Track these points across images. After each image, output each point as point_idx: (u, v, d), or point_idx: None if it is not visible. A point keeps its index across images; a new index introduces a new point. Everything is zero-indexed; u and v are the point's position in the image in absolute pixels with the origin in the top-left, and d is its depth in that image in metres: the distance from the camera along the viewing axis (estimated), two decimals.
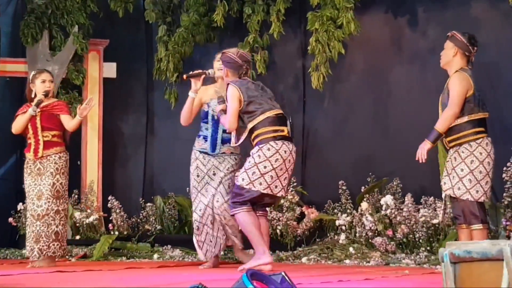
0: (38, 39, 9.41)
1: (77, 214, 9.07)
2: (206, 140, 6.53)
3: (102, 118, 9.52)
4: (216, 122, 6.45)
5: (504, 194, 6.96)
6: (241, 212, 6.01)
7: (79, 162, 9.50)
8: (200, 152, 6.56)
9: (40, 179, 7.01)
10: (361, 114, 8.28)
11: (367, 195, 7.70)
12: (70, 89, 9.52)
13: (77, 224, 9.06)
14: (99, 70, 9.64)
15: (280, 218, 7.97)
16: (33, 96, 7.11)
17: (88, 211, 9.13)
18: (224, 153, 6.51)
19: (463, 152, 5.68)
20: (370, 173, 7.79)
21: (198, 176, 6.56)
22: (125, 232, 8.94)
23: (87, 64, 9.59)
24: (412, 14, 7.96)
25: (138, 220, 9.08)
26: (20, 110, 7.21)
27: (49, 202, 6.98)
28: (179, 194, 8.99)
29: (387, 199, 7.53)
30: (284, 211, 8.06)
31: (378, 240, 7.32)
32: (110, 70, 9.68)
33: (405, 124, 7.93)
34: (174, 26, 9.15)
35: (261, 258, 5.89)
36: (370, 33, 8.05)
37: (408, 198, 7.36)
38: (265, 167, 5.93)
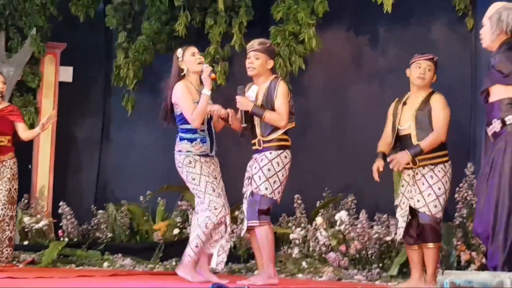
0: None
1: (26, 219, 8.94)
2: (204, 142, 6.14)
3: (56, 122, 9.40)
4: (209, 123, 6.19)
5: (456, 214, 7.06)
6: (266, 225, 6.02)
7: (30, 166, 9.39)
8: (200, 155, 6.12)
9: None
10: (318, 129, 8.34)
11: (322, 210, 7.75)
12: (25, 92, 9.42)
13: (26, 229, 8.93)
14: (55, 73, 9.55)
15: (234, 230, 7.96)
16: None
17: (38, 216, 9.01)
18: (213, 155, 6.22)
19: (439, 171, 5.82)
20: (326, 188, 7.85)
21: (209, 175, 6.09)
22: (75, 239, 8.83)
23: (43, 67, 9.51)
24: (373, 33, 8.07)
25: (89, 227, 8.99)
26: None
27: (5, 207, 6.90)
28: (132, 202, 8.93)
29: (342, 215, 7.57)
30: (238, 223, 8.05)
31: (331, 255, 7.35)
32: (67, 74, 9.60)
33: (361, 141, 7.99)
34: (134, 33, 9.13)
35: (273, 278, 5.94)
36: (331, 50, 8.14)
37: (363, 215, 7.42)
38: (283, 175, 6.01)
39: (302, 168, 8.30)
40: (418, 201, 5.90)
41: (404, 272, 6.98)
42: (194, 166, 6.07)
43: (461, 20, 7.53)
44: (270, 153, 6.02)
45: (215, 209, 6.02)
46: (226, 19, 8.51)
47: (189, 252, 6.06)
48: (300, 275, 7.08)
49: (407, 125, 6.00)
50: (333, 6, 8.01)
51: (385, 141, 6.24)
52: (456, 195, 7.08)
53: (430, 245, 5.88)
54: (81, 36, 9.62)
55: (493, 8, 4.99)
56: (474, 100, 7.36)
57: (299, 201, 7.96)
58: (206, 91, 6.01)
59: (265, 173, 5.97)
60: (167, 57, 8.99)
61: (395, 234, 7.13)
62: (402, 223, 6.02)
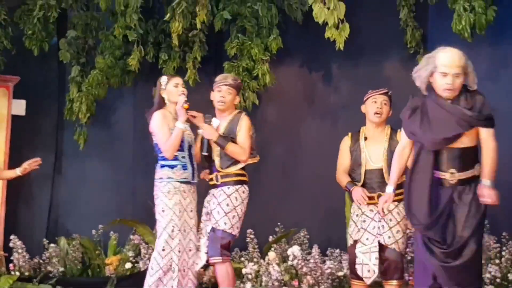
0: None
1: None
2: (185, 169, 6.12)
3: (8, 155, 9.33)
4: (189, 149, 6.19)
5: (408, 250, 7.13)
6: (228, 261, 6.07)
7: None
8: (181, 182, 6.11)
9: None
10: (271, 164, 8.38)
11: (275, 245, 7.78)
12: None
13: None
14: (8, 106, 9.47)
15: None
16: None
17: None
18: (196, 182, 6.23)
19: (402, 208, 5.80)
20: (279, 223, 7.89)
21: (180, 212, 6.06)
22: (27, 273, 8.71)
23: None
24: (326, 69, 8.18)
25: (41, 261, 8.88)
26: None
27: None
28: (84, 236, 8.87)
29: (294, 250, 7.61)
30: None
31: None
32: (19, 107, 9.52)
33: (314, 176, 8.08)
34: (88, 67, 9.10)
35: None
36: (284, 86, 8.23)
37: (315, 250, 7.47)
38: (241, 210, 6.09)
39: (255, 203, 8.28)
40: (389, 237, 5.92)
41: None
42: (171, 198, 6.05)
43: (412, 58, 7.66)
44: (228, 188, 6.09)
45: (163, 250, 6.03)
46: (180, 54, 8.55)
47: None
48: None
49: (380, 164, 6.04)
50: (287, 43, 8.12)
51: (345, 174, 6.26)
52: (408, 230, 7.15)
53: (394, 282, 5.93)
54: (35, 69, 9.58)
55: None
56: None
57: (252, 236, 7.98)
58: (180, 124, 6.04)
59: (224, 208, 6.03)
60: (120, 91, 9.05)
61: (347, 269, 7.21)
62: (367, 259, 5.98)
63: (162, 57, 8.62)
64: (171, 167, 6.11)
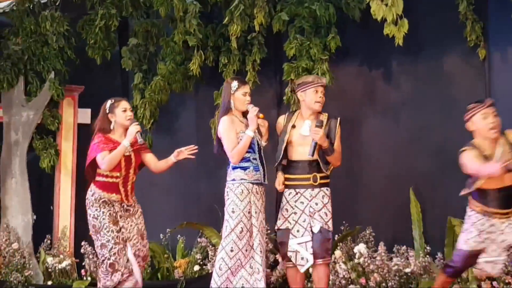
0: (13, 85, 9.51)
1: (49, 260, 9.07)
2: (257, 170, 6.28)
3: (76, 163, 9.54)
4: (259, 151, 6.35)
5: None
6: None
7: (52, 207, 9.51)
8: (253, 184, 6.26)
9: None
10: None
11: (341, 243, 7.79)
12: (45, 135, 9.58)
13: (49, 270, 9.04)
14: (74, 116, 9.70)
15: None
16: None
17: (61, 256, 9.11)
18: (266, 184, 6.39)
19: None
20: (344, 221, 7.89)
21: (249, 213, 6.22)
22: None
23: (62, 109, 9.66)
24: (386, 66, 8.12)
25: None
26: None
27: None
28: (152, 240, 8.98)
29: (360, 248, 7.63)
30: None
31: None
32: (85, 116, 9.73)
33: (378, 173, 8.06)
34: (150, 74, 9.23)
35: None
36: (344, 85, 8.21)
37: (381, 247, 7.47)
38: None
39: None
40: None
41: None
42: (242, 199, 6.21)
43: (473, 51, 7.59)
44: (327, 189, 6.35)
45: (231, 251, 6.15)
46: (240, 57, 8.60)
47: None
48: None
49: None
50: (345, 41, 8.10)
51: None
52: None
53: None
54: (98, 78, 9.76)
55: None
56: None
57: None
58: (250, 132, 6.23)
59: (329, 209, 6.29)
60: (182, 96, 9.15)
61: (414, 266, 7.20)
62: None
63: (222, 60, 8.68)
64: (244, 168, 6.26)
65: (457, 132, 7.56)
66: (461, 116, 7.21)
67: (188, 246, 8.85)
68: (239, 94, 6.36)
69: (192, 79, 8.94)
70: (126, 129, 6.56)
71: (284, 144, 6.35)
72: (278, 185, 6.39)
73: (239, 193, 6.20)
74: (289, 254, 6.26)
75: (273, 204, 8.31)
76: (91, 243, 8.99)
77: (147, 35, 9.30)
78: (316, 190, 6.31)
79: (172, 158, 6.66)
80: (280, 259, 8.02)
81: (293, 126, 6.37)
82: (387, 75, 8.13)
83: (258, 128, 6.35)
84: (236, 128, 6.26)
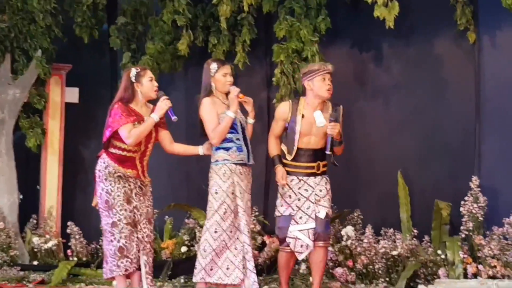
0: (0, 62, 9.38)
1: (35, 239, 9.04)
2: (241, 151, 6.19)
3: (63, 143, 9.49)
4: (243, 132, 6.26)
5: (462, 228, 7.11)
6: None
7: (38, 187, 9.47)
8: (236, 164, 6.18)
9: None
10: None
11: None
12: (31, 113, 9.51)
13: (35, 250, 9.01)
14: (61, 94, 9.64)
15: None
16: None
17: (47, 236, 9.08)
18: (252, 164, 6.31)
19: None
20: (332, 204, 7.88)
21: (232, 194, 6.13)
22: (84, 258, 8.90)
23: (49, 88, 9.60)
24: (376, 49, 8.10)
25: (98, 246, 9.03)
26: None
27: None
28: None
29: (348, 230, 7.64)
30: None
31: (338, 270, 7.40)
32: (73, 95, 9.69)
33: (367, 156, 8.07)
34: (138, 53, 9.19)
35: None
36: (335, 67, 8.18)
37: (369, 229, 7.47)
38: None
39: None
40: None
41: (411, 285, 7.04)
42: (225, 180, 6.13)
43: (463, 35, 7.57)
44: (327, 177, 6.40)
45: (215, 232, 6.10)
46: (229, 38, 8.56)
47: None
48: None
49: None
50: (336, 23, 8.07)
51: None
52: (461, 209, 7.13)
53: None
54: (86, 57, 9.71)
55: None
56: (478, 114, 7.41)
57: None
58: (231, 113, 6.12)
59: (330, 196, 6.38)
60: (171, 76, 9.10)
61: (401, 248, 7.22)
62: None
63: (211, 41, 8.64)
64: (226, 149, 6.17)
65: (446, 116, 7.62)
66: (450, 99, 7.25)
67: (176, 227, 8.84)
68: (219, 76, 6.25)
69: (181, 59, 8.90)
70: (148, 100, 6.23)
71: (298, 136, 6.26)
72: (282, 179, 6.27)
73: (222, 174, 6.14)
74: (288, 240, 6.24)
75: (262, 186, 8.37)
76: (77, 223, 9.01)
77: (135, 14, 9.26)
78: (319, 177, 6.33)
79: (199, 150, 6.36)
80: (268, 241, 8.02)
81: (302, 116, 6.28)
82: (378, 58, 8.12)
83: (242, 107, 6.29)
84: (217, 109, 6.17)
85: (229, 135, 6.17)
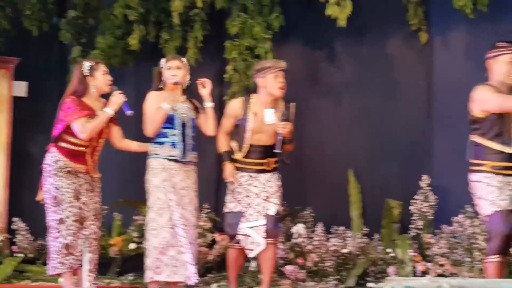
0: None
1: None
2: (174, 146, 6.08)
3: (11, 138, 9.32)
4: (183, 127, 6.11)
5: (411, 226, 7.17)
6: None
7: None
8: (169, 160, 6.07)
9: None
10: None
11: (280, 224, 7.79)
12: None
13: None
14: (9, 88, 9.45)
15: None
16: None
17: None
18: (190, 161, 6.14)
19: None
20: (283, 202, 7.88)
21: (164, 188, 6.02)
22: (31, 255, 8.75)
23: None
24: (329, 48, 8.14)
25: (44, 242, 8.87)
26: None
27: None
28: None
29: (299, 228, 7.64)
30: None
31: (289, 268, 7.41)
32: (21, 89, 9.50)
33: (319, 154, 8.09)
34: (89, 48, 9.05)
35: None
36: (288, 64, 8.18)
37: (320, 227, 7.49)
38: None
39: None
40: None
41: (361, 283, 7.08)
42: (156, 175, 6.05)
43: (415, 35, 7.64)
44: (279, 174, 6.32)
45: (153, 230, 6.02)
46: (182, 34, 8.50)
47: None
48: None
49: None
50: (289, 21, 8.08)
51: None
52: (411, 207, 7.20)
53: None
54: (36, 51, 9.53)
55: None
56: (429, 114, 7.48)
57: None
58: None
59: (280, 193, 6.29)
60: (122, 72, 8.99)
61: (352, 247, 7.25)
62: None
63: (163, 36, 8.57)
64: (160, 144, 6.09)
65: (398, 115, 7.69)
66: (402, 98, 7.31)
67: (125, 224, 8.75)
68: (165, 70, 6.27)
69: (132, 54, 8.80)
70: (101, 95, 6.13)
71: (250, 134, 6.19)
72: (230, 177, 6.22)
73: (153, 169, 6.07)
74: (238, 237, 6.19)
75: (213, 184, 8.33)
76: (24, 219, 8.85)
77: (86, 8, 9.12)
78: (269, 174, 6.27)
79: (150, 146, 6.23)
80: (218, 239, 7.99)
81: (255, 114, 6.22)
82: (330, 56, 8.15)
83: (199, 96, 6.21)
84: (158, 103, 6.09)
85: (164, 130, 6.08)
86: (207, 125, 6.19)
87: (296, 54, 8.31)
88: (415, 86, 7.65)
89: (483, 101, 5.33)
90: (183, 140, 6.10)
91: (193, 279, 5.95)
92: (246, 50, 7.99)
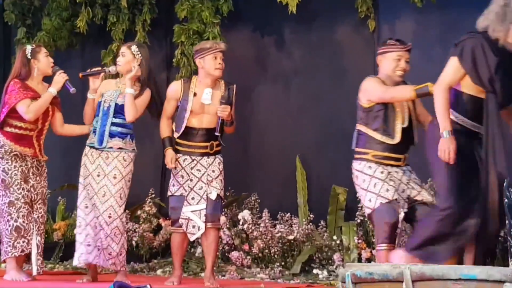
0: None
1: None
2: (95, 133, 6.21)
3: None
4: (105, 114, 6.17)
5: (357, 213, 7.20)
6: None
7: None
8: (90, 147, 6.24)
9: None
10: None
11: (225, 209, 7.76)
12: None
13: None
14: None
15: (136, 229, 7.90)
16: None
17: None
18: (111, 147, 6.15)
19: None
20: (229, 188, 7.87)
21: (83, 174, 6.25)
22: None
23: None
24: (278, 33, 8.11)
25: None
26: None
27: None
28: None
29: (245, 214, 7.63)
30: (140, 222, 7.99)
31: (234, 254, 7.40)
32: None
33: (266, 141, 8.07)
34: (34, 29, 8.89)
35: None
36: (236, 50, 8.10)
37: (265, 214, 7.49)
38: None
39: None
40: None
41: (306, 270, 7.11)
42: (82, 163, 6.28)
43: (363, 22, 7.65)
44: (221, 156, 6.30)
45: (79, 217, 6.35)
46: (129, 17, 8.40)
47: None
48: (203, 274, 7.06)
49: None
50: (238, 6, 8.04)
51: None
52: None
53: None
54: None
55: None
56: None
57: None
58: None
59: (223, 176, 6.24)
60: (68, 54, 8.87)
61: (297, 233, 7.26)
62: None
63: (110, 19, 8.44)
64: (93, 131, 6.26)
65: (345, 102, 7.67)
66: (349, 86, 7.30)
67: (69, 209, 8.64)
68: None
69: (79, 36, 8.68)
70: (45, 76, 6.27)
71: (188, 114, 6.17)
72: (170, 163, 6.20)
73: (83, 155, 6.31)
74: (180, 221, 6.16)
75: (159, 169, 8.26)
76: None
77: None
78: (212, 157, 6.25)
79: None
80: (163, 224, 7.94)
81: (194, 94, 6.20)
82: (279, 43, 8.13)
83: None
84: (100, 90, 6.27)
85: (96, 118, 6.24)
86: (125, 110, 6.15)
87: (245, 39, 8.28)
88: (363, 74, 7.60)
89: (369, 91, 5.57)
90: (103, 126, 6.15)
91: (80, 259, 6.21)
92: (195, 34, 7.93)
